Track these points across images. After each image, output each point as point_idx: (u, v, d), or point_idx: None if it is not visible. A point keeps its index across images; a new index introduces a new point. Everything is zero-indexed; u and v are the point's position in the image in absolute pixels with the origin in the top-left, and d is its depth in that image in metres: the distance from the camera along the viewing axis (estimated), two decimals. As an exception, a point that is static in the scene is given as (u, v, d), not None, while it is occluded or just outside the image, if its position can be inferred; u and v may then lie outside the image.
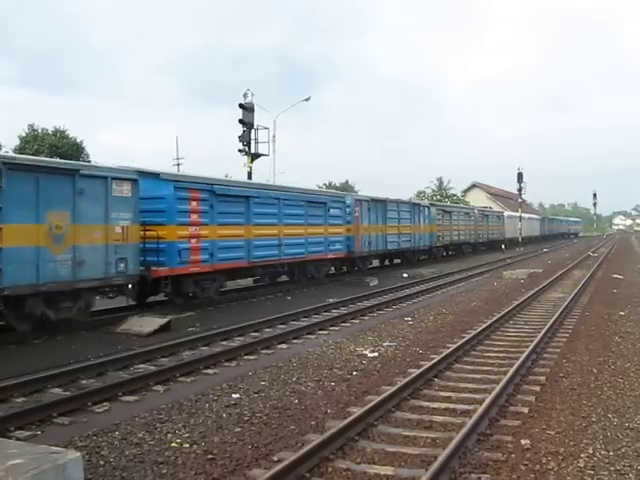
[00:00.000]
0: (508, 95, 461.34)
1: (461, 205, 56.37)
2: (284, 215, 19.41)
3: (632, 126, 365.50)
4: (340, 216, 23.54)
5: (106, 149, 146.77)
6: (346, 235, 23.86)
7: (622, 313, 15.17)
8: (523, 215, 62.88)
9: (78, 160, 34.09)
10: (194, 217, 15.82)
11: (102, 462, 5.94)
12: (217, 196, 16.50)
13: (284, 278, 22.06)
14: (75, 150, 42.45)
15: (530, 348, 10.17)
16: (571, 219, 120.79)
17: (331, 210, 22.58)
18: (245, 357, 10.62)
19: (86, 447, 6.30)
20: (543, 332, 11.58)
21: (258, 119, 26.36)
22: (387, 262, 32.12)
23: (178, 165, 49.35)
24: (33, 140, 41.69)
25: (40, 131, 43.20)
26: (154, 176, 15.13)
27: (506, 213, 59.25)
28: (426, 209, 34.04)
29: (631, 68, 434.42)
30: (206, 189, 16.28)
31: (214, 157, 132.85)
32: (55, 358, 10.32)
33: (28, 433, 6.74)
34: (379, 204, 27.70)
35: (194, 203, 15.81)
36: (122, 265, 13.24)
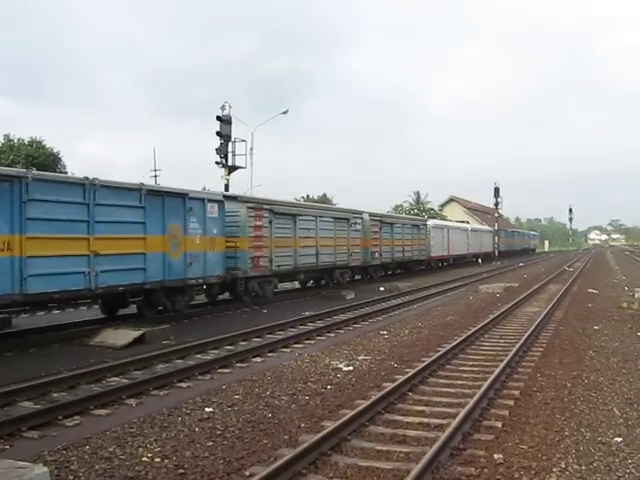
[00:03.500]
0: (487, 111, 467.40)
1: (326, 205, 38.72)
2: None
3: (608, 145, 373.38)
4: None
5: (83, 160, 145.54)
6: None
7: (596, 327, 15.32)
8: (466, 226, 55.79)
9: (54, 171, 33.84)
10: None
11: (71, 477, 5.84)
12: None
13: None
14: (52, 161, 42.17)
15: (505, 362, 10.22)
16: (531, 233, 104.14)
17: None
18: (219, 370, 10.53)
19: (55, 462, 6.19)
20: (518, 346, 11.64)
21: (235, 132, 26.45)
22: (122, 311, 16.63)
23: (155, 177, 49.14)
24: (9, 150, 41.35)
25: (16, 141, 42.89)
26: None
27: (431, 222, 43.87)
28: (213, 205, 17.83)
29: (608, 88, 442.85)
30: None
31: (191, 169, 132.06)
32: (26, 371, 10.15)
33: (-4, 448, 6.61)
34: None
35: None
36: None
